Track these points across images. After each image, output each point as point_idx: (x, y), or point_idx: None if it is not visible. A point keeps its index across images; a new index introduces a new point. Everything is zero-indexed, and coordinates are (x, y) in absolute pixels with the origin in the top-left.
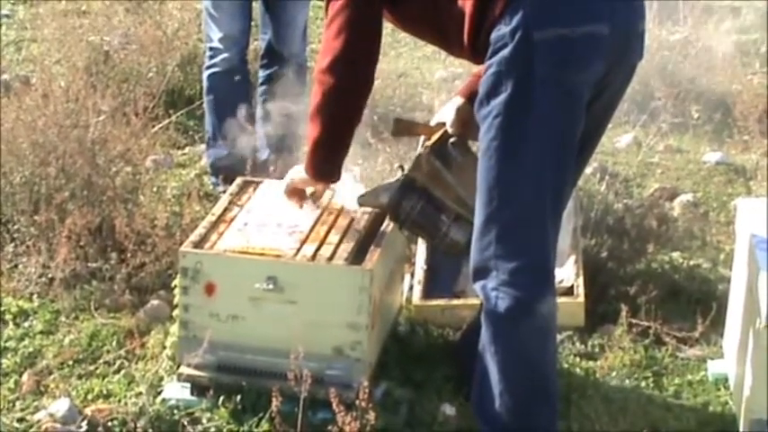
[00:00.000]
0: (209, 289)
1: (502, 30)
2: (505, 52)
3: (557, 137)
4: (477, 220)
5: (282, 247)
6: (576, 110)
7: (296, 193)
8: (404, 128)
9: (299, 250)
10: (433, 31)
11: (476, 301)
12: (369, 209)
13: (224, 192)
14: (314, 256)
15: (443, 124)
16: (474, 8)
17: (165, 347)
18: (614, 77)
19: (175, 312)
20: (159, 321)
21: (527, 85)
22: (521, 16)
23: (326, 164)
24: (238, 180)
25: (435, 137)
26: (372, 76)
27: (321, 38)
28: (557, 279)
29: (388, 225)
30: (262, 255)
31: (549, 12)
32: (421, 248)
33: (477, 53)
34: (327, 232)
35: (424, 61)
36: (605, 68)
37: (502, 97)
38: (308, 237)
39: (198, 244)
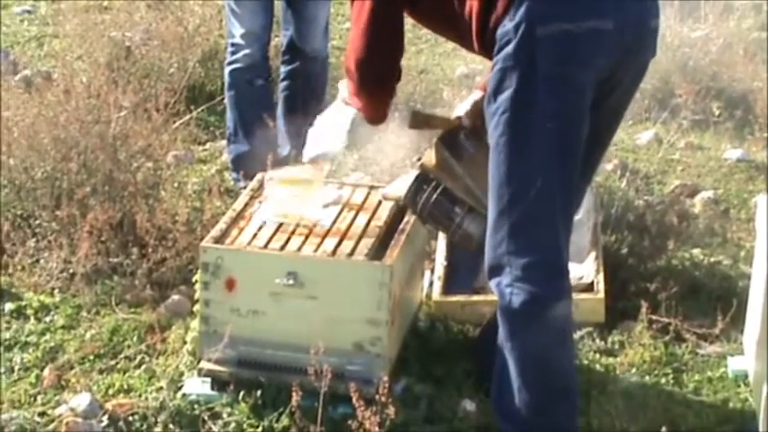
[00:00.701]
0: (230, 284)
1: (506, 26)
2: (509, 48)
3: (561, 133)
4: (490, 216)
5: (319, 217)
6: (580, 105)
7: None
8: (422, 121)
9: (318, 247)
10: (449, 29)
11: (496, 298)
12: (390, 204)
13: (244, 187)
14: (334, 252)
15: (459, 118)
16: (480, 5)
17: (185, 342)
18: (624, 74)
19: (196, 307)
20: (180, 316)
21: (530, 80)
22: (524, 11)
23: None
24: (259, 176)
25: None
26: (397, 71)
27: (343, 34)
28: (577, 275)
29: (408, 221)
30: (293, 233)
31: (553, 7)
32: (441, 244)
33: (486, 50)
34: (348, 228)
35: (445, 58)
36: (612, 64)
37: (507, 93)
38: (328, 231)
39: (219, 239)
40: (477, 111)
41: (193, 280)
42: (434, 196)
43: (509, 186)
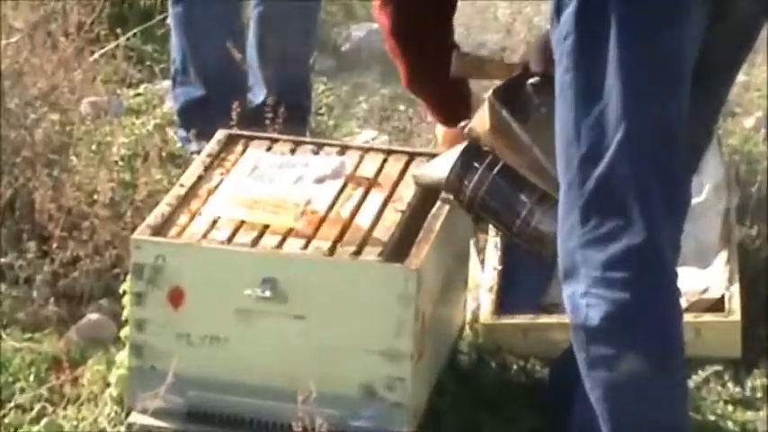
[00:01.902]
0: (176, 297)
1: None
2: None
3: (653, 62)
4: (561, 195)
5: (294, 198)
6: (680, 19)
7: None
8: (470, 65)
9: (309, 242)
10: None
11: None
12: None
13: (198, 152)
14: (332, 250)
15: (526, 64)
16: None
17: (108, 385)
18: None
19: (124, 332)
20: (100, 345)
21: None
22: None
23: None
24: (220, 134)
25: (509, 78)
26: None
27: None
28: (699, 286)
29: (441, 206)
30: (266, 226)
31: None
32: (493, 241)
33: None
34: (353, 214)
35: None
36: None
37: (572, 6)
38: (323, 219)
39: (159, 230)
40: (550, 54)
41: (120, 290)
42: (490, 178)
43: (578, 145)
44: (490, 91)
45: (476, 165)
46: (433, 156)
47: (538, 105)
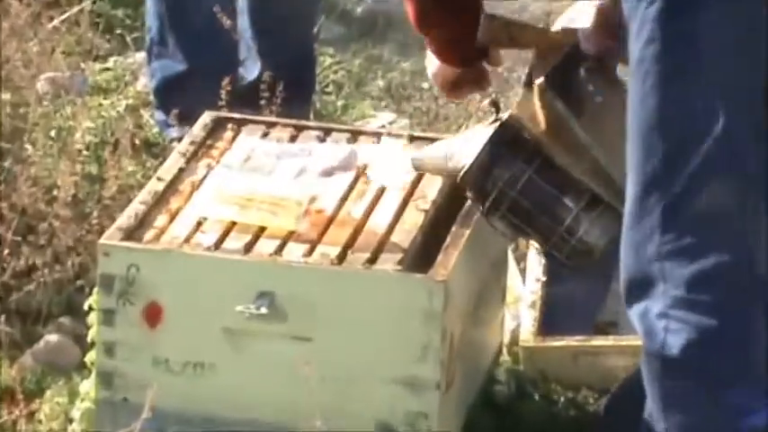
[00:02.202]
0: (153, 315)
1: None
2: None
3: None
4: (631, 194)
5: (295, 194)
6: None
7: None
8: (500, 31)
9: (313, 248)
10: None
11: (637, 341)
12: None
13: (179, 138)
14: (342, 257)
15: (573, 32)
16: None
17: (70, 420)
18: None
19: (90, 357)
20: (61, 373)
21: None
22: None
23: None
24: (205, 116)
25: (557, 55)
26: None
27: None
28: None
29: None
30: (262, 229)
31: None
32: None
33: None
34: (367, 214)
35: None
36: None
37: None
38: (331, 220)
39: (132, 233)
40: (605, 21)
41: (85, 306)
42: (527, 175)
43: (664, 134)
44: (541, 78)
45: (509, 158)
46: None
47: (594, 93)
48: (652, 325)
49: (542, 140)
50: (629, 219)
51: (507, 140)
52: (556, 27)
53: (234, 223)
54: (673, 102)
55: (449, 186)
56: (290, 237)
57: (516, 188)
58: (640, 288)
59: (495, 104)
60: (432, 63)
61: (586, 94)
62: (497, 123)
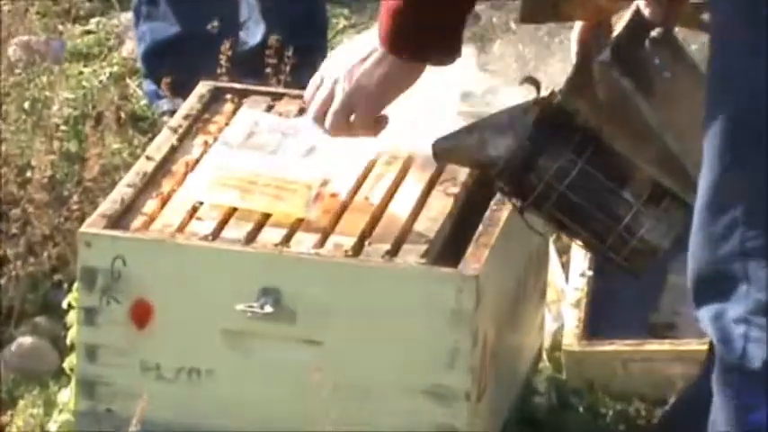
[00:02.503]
0: (141, 314)
1: None
2: None
3: None
4: (708, 179)
5: (304, 176)
6: None
7: (347, 113)
8: (542, 4)
9: (325, 238)
10: None
11: (698, 346)
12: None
13: (171, 112)
14: (358, 248)
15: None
16: None
17: None
18: None
19: (69, 362)
20: (35, 380)
21: None
22: None
23: (425, 22)
24: (201, 87)
25: (618, 25)
26: None
27: None
28: None
29: None
30: (266, 216)
31: None
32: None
33: None
34: (387, 199)
35: None
36: None
37: None
38: (345, 207)
39: (117, 220)
40: None
41: (64, 304)
42: (578, 166)
43: (748, 116)
44: (606, 51)
45: (556, 144)
46: None
47: (659, 67)
48: (728, 331)
49: (598, 124)
50: (702, 213)
51: (553, 125)
52: None
53: (234, 210)
54: (754, 82)
55: (478, 176)
56: (298, 225)
57: (565, 181)
58: (715, 287)
59: (534, 82)
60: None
61: (653, 70)
62: (540, 104)
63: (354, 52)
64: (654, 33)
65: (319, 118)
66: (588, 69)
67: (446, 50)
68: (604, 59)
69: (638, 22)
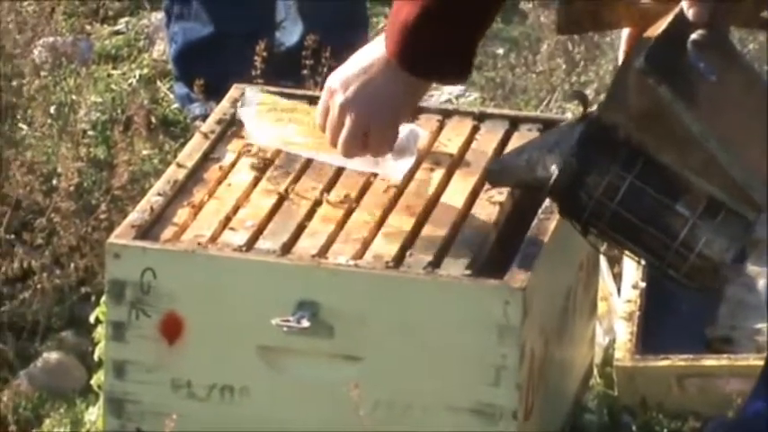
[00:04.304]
0: (172, 328)
1: None
2: None
3: None
4: None
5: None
6: None
7: (358, 134)
8: (582, 12)
9: (366, 247)
10: None
11: (756, 361)
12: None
13: (203, 116)
14: (399, 259)
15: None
16: None
17: None
18: None
19: (97, 379)
20: (62, 397)
21: None
22: None
23: (440, 40)
24: (235, 90)
25: (658, 28)
26: None
27: None
28: None
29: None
30: (310, 217)
31: None
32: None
33: None
34: (429, 207)
35: None
36: None
37: None
38: (385, 217)
39: (147, 231)
40: None
41: (91, 319)
42: (627, 181)
43: None
44: (641, 57)
45: (603, 160)
46: (547, 122)
47: (705, 72)
48: None
49: (640, 137)
50: None
51: (600, 140)
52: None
53: (268, 220)
54: None
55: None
56: (336, 235)
57: (616, 198)
58: None
59: (582, 97)
60: None
61: (697, 74)
62: (585, 120)
63: (356, 65)
64: (695, 36)
65: (333, 145)
66: (626, 79)
67: (461, 70)
68: (638, 67)
69: (679, 24)
